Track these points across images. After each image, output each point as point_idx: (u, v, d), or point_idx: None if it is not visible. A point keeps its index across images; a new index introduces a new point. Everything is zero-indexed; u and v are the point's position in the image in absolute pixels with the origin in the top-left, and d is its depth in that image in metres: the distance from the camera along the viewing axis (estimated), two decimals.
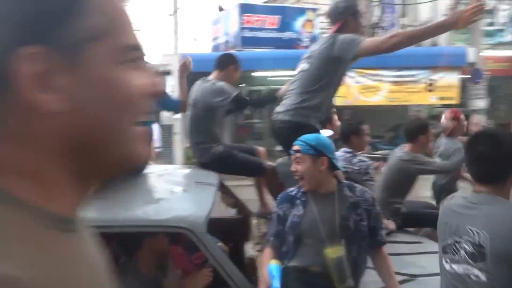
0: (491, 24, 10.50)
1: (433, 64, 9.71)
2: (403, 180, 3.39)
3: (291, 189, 2.12)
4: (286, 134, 2.53)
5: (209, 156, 3.03)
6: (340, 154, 3.04)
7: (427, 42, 10.50)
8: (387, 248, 2.16)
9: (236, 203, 3.29)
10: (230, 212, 3.37)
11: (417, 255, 2.71)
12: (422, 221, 3.51)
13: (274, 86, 11.95)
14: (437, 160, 3.69)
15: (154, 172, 2.63)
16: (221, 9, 11.97)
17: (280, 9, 11.45)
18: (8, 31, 0.39)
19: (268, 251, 2.05)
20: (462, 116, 4.03)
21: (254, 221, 3.17)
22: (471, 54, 9.92)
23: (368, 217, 2.02)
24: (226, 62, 3.27)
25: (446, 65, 9.77)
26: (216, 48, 12.20)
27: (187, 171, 2.93)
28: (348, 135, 3.33)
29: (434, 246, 3.01)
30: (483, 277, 1.45)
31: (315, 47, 2.72)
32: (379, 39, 2.72)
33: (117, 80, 0.44)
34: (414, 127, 3.50)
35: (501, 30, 10.81)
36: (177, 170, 2.98)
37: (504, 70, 11.43)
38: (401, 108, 10.64)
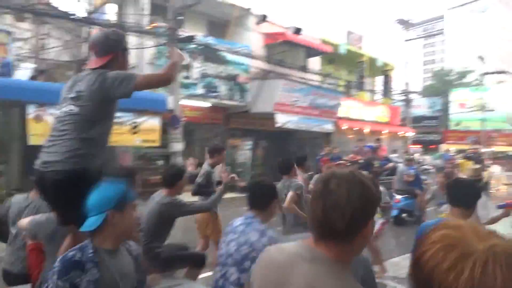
0: (187, 77, 11.98)
1: (136, 107, 10.17)
2: (163, 223, 3.43)
3: (71, 253, 1.73)
4: (65, 186, 2.17)
5: None
6: None
7: None
8: None
9: None
10: None
11: None
12: (179, 262, 3.61)
13: None
14: (196, 201, 3.94)
15: None
16: None
17: None
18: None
19: None
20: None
21: None
22: (171, 102, 10.99)
23: (140, 271, 1.97)
24: None
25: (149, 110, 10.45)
26: None
27: None
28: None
29: (193, 285, 3.33)
30: None
31: (81, 86, 2.34)
32: (153, 74, 2.56)
33: None
34: (172, 174, 3.59)
35: (194, 84, 12.49)
36: None
37: (197, 117, 13.27)
38: (109, 149, 10.58)
